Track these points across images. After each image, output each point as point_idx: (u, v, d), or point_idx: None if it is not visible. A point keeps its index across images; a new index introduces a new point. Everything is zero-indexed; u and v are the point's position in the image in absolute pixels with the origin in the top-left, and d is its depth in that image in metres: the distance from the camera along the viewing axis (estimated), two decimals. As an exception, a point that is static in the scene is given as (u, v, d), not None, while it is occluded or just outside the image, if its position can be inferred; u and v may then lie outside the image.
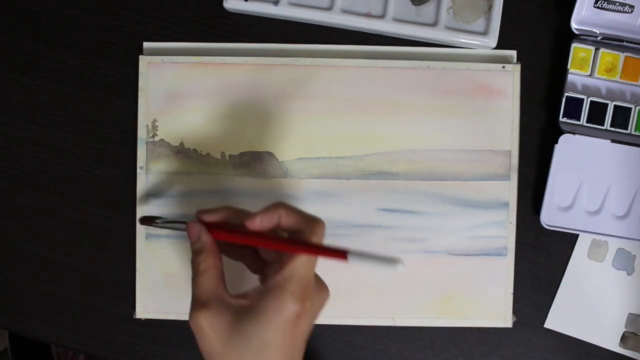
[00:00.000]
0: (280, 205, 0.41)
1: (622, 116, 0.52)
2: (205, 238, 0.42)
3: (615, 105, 0.52)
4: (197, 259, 0.41)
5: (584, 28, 0.52)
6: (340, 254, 0.37)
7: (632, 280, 0.53)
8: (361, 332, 0.54)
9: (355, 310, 0.53)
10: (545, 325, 0.54)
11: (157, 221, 0.48)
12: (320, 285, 0.42)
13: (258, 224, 0.40)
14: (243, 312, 0.38)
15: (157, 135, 0.53)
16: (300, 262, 0.38)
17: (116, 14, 0.54)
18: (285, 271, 0.38)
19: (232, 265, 0.44)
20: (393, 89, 0.52)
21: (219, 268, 0.41)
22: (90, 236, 0.54)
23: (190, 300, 0.40)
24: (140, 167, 0.53)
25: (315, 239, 0.39)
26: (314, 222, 0.40)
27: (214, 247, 0.42)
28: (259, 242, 0.41)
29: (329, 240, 0.52)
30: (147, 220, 0.49)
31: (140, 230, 0.53)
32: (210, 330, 0.38)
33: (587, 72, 0.52)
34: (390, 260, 0.35)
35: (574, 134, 0.52)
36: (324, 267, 0.53)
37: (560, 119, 0.52)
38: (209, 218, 0.43)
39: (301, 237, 0.39)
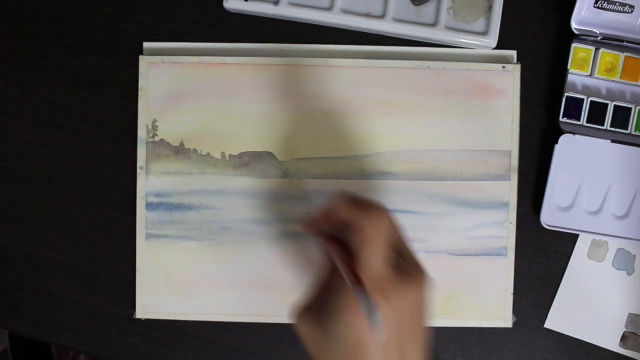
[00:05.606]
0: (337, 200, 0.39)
1: (622, 116, 0.52)
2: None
3: (615, 105, 0.52)
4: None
5: (584, 28, 0.52)
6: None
7: (632, 280, 0.53)
8: (361, 332, 0.54)
9: (355, 310, 0.53)
10: (545, 325, 0.54)
11: None
12: (405, 275, 0.38)
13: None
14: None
15: (157, 135, 0.53)
16: (364, 259, 0.36)
17: (116, 14, 0.54)
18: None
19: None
20: (393, 89, 0.52)
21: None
22: (90, 236, 0.54)
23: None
24: (140, 167, 0.53)
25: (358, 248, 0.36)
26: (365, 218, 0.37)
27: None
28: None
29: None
30: None
31: (141, 230, 0.53)
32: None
33: (587, 72, 0.52)
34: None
35: (574, 134, 0.52)
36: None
37: (560, 119, 0.52)
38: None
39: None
